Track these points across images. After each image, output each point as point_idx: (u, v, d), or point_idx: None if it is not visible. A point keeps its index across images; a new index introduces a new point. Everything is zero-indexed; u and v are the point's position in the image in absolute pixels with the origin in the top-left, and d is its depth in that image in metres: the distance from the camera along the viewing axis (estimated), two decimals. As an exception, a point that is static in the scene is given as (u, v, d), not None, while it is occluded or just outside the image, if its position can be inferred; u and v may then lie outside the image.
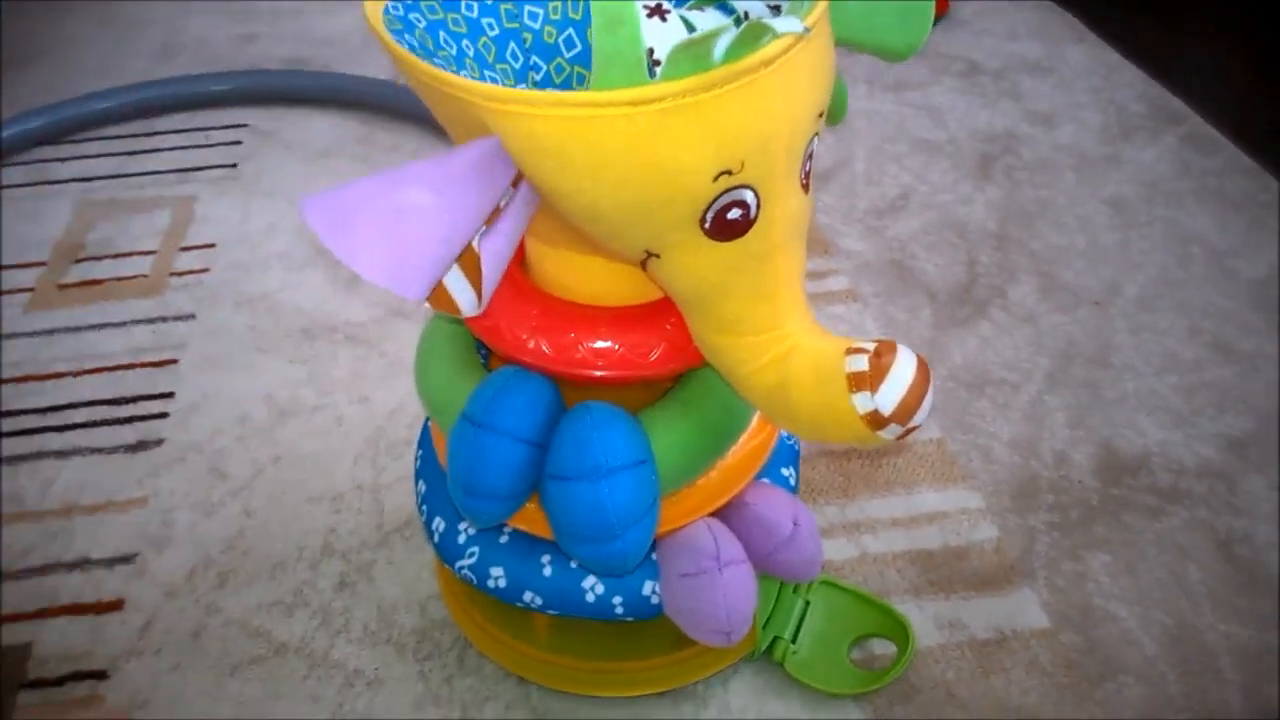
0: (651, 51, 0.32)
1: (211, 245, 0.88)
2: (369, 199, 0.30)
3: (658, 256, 0.35)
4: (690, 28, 0.35)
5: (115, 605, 0.59)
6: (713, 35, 0.29)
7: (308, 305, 0.80)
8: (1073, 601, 0.58)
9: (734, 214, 0.33)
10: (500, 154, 0.32)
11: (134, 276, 0.85)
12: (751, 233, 0.34)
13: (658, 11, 0.34)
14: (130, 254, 0.87)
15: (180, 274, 0.85)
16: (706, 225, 0.33)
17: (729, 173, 0.32)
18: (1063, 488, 0.65)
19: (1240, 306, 0.80)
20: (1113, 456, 0.67)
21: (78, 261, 0.87)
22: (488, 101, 0.31)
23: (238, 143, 1.01)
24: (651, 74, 0.31)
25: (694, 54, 0.29)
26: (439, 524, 0.48)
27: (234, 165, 0.98)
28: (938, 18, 1.21)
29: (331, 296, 0.81)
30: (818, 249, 0.85)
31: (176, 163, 0.99)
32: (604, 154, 0.31)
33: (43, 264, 0.86)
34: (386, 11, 0.37)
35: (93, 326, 0.79)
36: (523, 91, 0.31)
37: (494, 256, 0.34)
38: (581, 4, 0.42)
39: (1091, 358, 0.75)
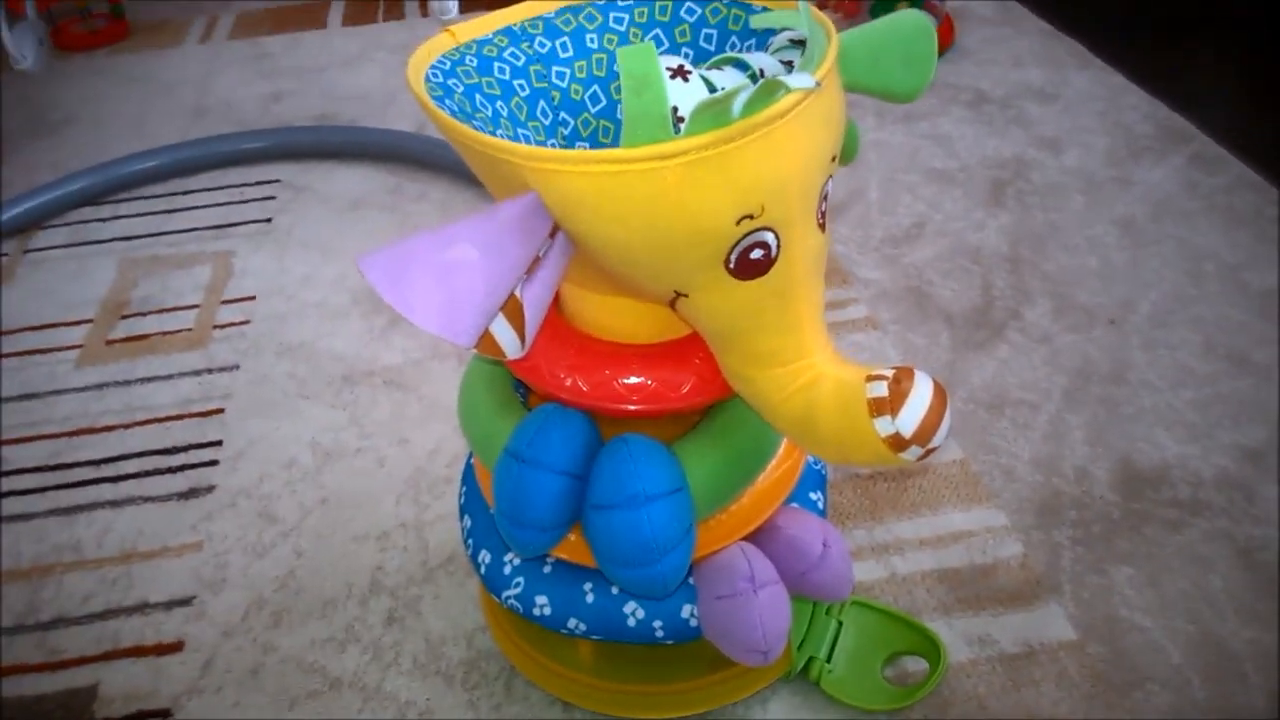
0: (675, 110, 0.35)
1: (251, 297, 0.91)
2: (421, 255, 0.33)
3: (686, 296, 0.38)
4: (710, 86, 0.38)
5: (176, 646, 0.62)
6: (732, 94, 0.32)
7: (346, 352, 0.83)
8: (1098, 614, 0.60)
9: (756, 254, 0.36)
10: (539, 208, 0.35)
11: (178, 330, 0.88)
12: (773, 271, 0.36)
13: (680, 73, 0.36)
14: (174, 309, 0.91)
15: (222, 326, 0.88)
16: (731, 266, 0.36)
17: (750, 216, 0.34)
18: (1085, 503, 0.67)
19: (1252, 319, 0.81)
20: (1132, 471, 0.69)
21: (124, 318, 0.90)
22: (527, 161, 0.34)
23: (271, 198, 1.05)
24: (676, 130, 0.34)
25: (714, 111, 0.32)
26: (485, 556, 0.51)
27: (269, 220, 1.02)
28: (943, 49, 1.24)
29: (369, 343, 0.84)
30: (836, 279, 0.88)
31: (213, 219, 1.03)
32: (633, 204, 0.34)
33: (90, 321, 0.90)
34: (427, 79, 0.40)
35: (141, 380, 0.83)
36: (558, 151, 0.34)
37: (535, 303, 0.37)
38: (605, 62, 0.46)
39: (1108, 375, 0.77)
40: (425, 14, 1.46)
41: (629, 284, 0.39)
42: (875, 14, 1.21)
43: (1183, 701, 0.56)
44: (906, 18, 0.43)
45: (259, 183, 1.08)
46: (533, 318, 0.38)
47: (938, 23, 1.25)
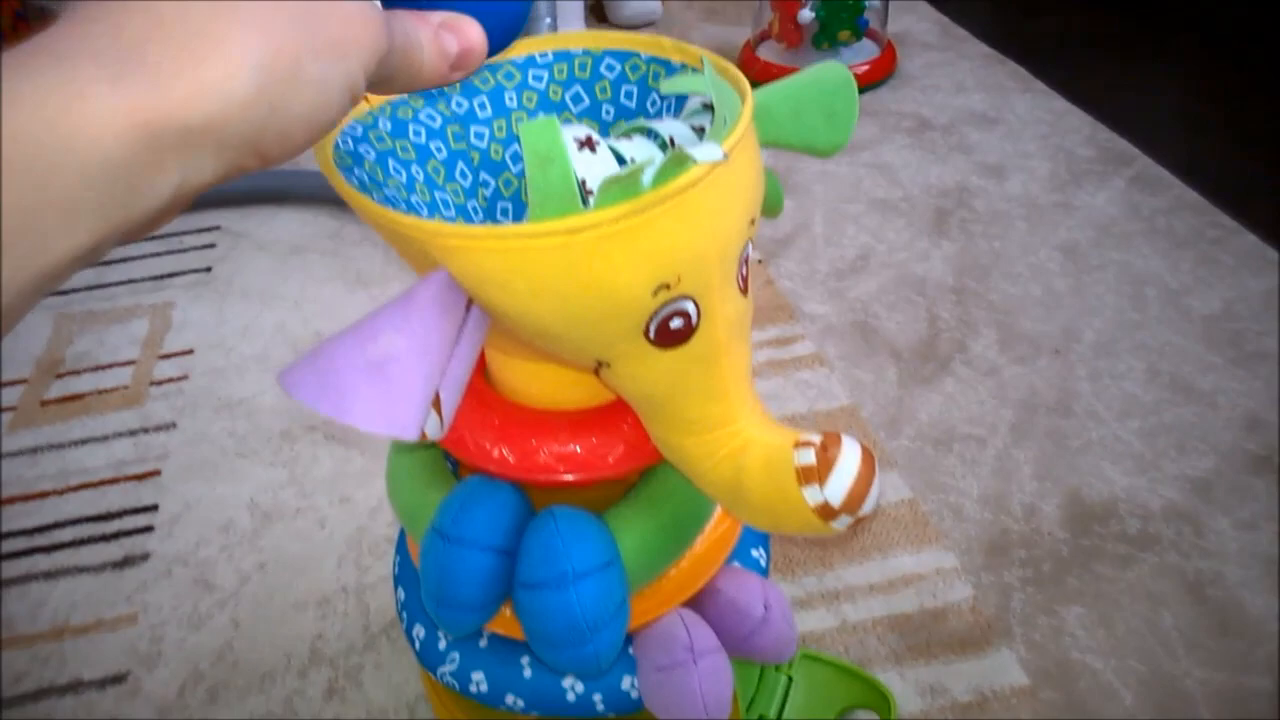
0: (584, 182, 0.34)
1: (189, 351, 0.89)
2: (346, 358, 0.32)
3: (608, 365, 0.37)
4: (619, 156, 0.37)
5: (108, 728, 0.60)
6: (639, 169, 0.31)
7: (286, 406, 0.82)
8: (1050, 657, 0.60)
9: (676, 323, 0.35)
10: (452, 284, 0.34)
11: (114, 388, 0.86)
12: (695, 338, 0.35)
13: (588, 144, 0.36)
14: (110, 365, 0.89)
15: (160, 383, 0.86)
16: (651, 335, 0.35)
17: (667, 286, 0.33)
18: (1034, 541, 0.66)
19: (1196, 344, 0.82)
20: (1081, 506, 0.69)
21: (59, 376, 0.88)
22: (433, 238, 0.33)
23: (211, 245, 1.03)
24: (585, 202, 0.33)
25: (623, 185, 0.31)
26: (419, 631, 0.49)
27: (208, 269, 1.00)
28: (885, 76, 1.25)
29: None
30: (782, 315, 0.87)
31: (152, 270, 1.01)
32: (545, 279, 0.33)
33: (24, 381, 0.88)
34: (336, 147, 0.39)
35: (76, 442, 0.81)
36: (464, 227, 0.33)
37: (453, 381, 0.36)
38: (524, 119, 0.45)
39: (1054, 407, 0.77)
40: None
41: (550, 353, 0.38)
42: (818, 44, 1.22)
43: (1135, 745, 0.55)
44: (828, 71, 0.42)
45: (198, 230, 1.06)
46: (451, 397, 0.37)
47: (880, 50, 1.26)
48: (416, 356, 0.32)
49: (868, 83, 1.22)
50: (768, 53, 1.26)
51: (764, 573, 0.53)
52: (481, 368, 0.46)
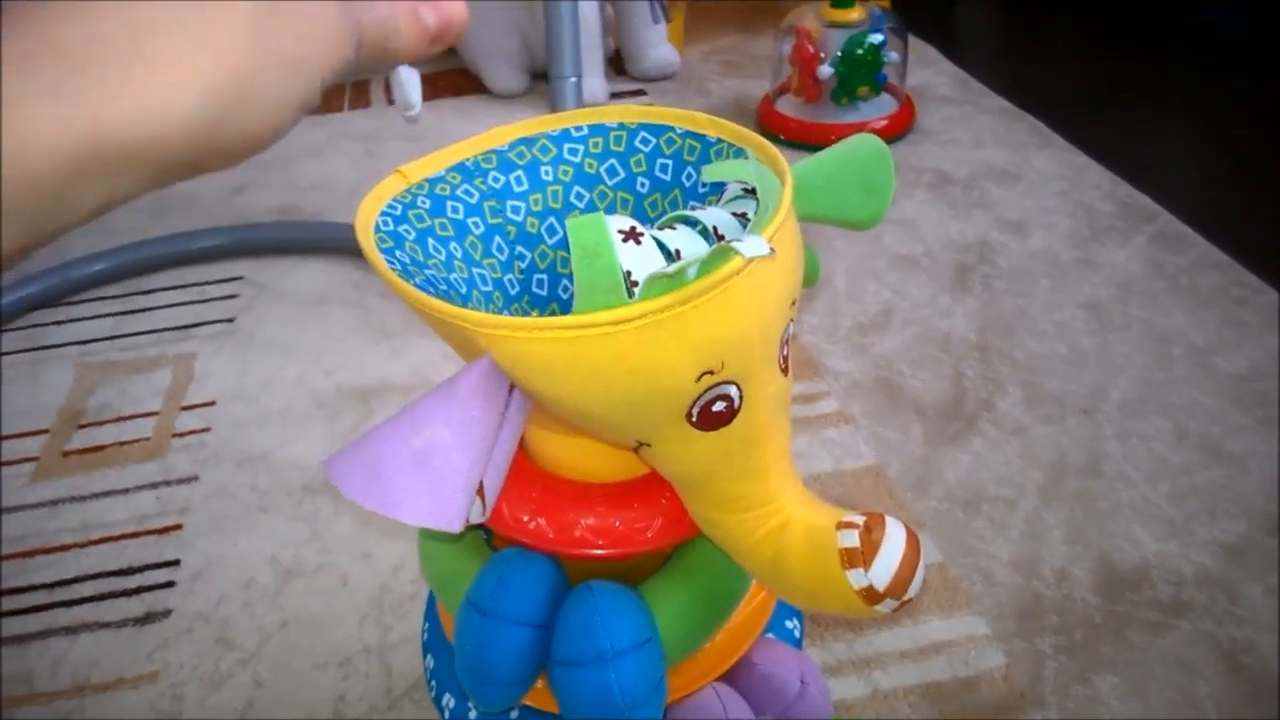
0: (629, 274, 0.34)
1: (211, 403, 0.89)
2: (391, 450, 0.32)
3: (649, 446, 0.36)
4: (663, 247, 0.37)
5: (128, 792, 0.59)
6: (684, 266, 0.31)
7: (308, 460, 0.81)
8: (1085, 728, 0.59)
9: (719, 406, 0.35)
10: (495, 371, 0.34)
11: (136, 440, 0.86)
12: (737, 420, 0.35)
13: (632, 235, 0.36)
14: (132, 416, 0.89)
15: (182, 434, 0.86)
16: (693, 419, 0.35)
17: (710, 372, 0.33)
18: (1066, 607, 0.65)
19: (1224, 405, 0.81)
20: (1112, 571, 0.68)
21: (81, 427, 0.88)
22: (479, 328, 0.33)
23: (234, 296, 1.04)
24: (630, 293, 0.33)
25: (669, 278, 0.31)
26: (449, 700, 0.49)
27: (231, 320, 1.00)
28: (904, 131, 1.26)
29: (331, 450, 0.82)
30: (807, 370, 0.87)
31: (174, 320, 1.01)
32: (589, 367, 0.33)
33: (46, 431, 0.88)
34: (378, 228, 0.39)
35: (97, 495, 0.80)
36: (511, 319, 0.33)
37: (496, 467, 0.36)
38: (560, 193, 0.45)
39: (1083, 469, 0.76)
40: (392, 102, 1.46)
41: (590, 433, 0.38)
42: (836, 99, 1.23)
43: (1175, 822, 0.54)
44: (862, 144, 0.43)
45: (220, 280, 1.07)
46: (494, 483, 0.37)
47: (899, 104, 1.27)
48: (461, 448, 0.32)
49: (887, 138, 1.22)
50: (786, 107, 1.28)
51: (798, 644, 0.52)
52: (519, 440, 0.46)
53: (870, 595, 0.35)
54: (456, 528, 0.32)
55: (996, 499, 0.74)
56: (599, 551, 0.42)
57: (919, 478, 0.76)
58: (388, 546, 0.73)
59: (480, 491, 0.36)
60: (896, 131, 1.24)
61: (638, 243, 0.35)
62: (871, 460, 0.78)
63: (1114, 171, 1.15)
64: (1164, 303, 0.93)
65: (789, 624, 0.52)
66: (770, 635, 0.51)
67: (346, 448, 0.32)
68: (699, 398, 0.34)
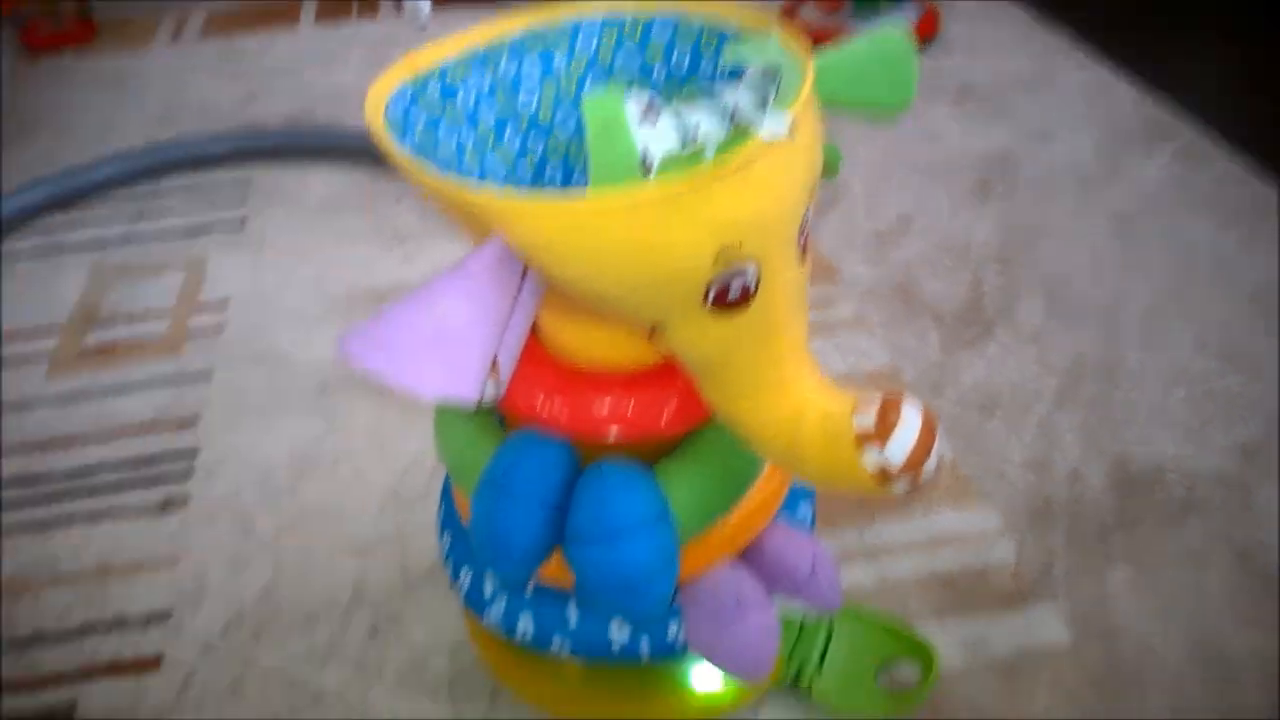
0: (646, 152, 0.34)
1: (224, 304, 0.89)
2: (407, 326, 0.32)
3: (663, 330, 0.36)
4: (681, 124, 0.36)
5: (154, 663, 0.60)
6: (702, 148, 0.30)
7: (323, 358, 0.82)
8: (1094, 618, 0.59)
9: (735, 290, 0.34)
10: (508, 251, 0.34)
11: (151, 338, 0.86)
12: (754, 304, 0.35)
13: (650, 113, 0.35)
14: (146, 316, 0.89)
15: (196, 333, 0.86)
16: (709, 301, 0.34)
17: (727, 254, 0.33)
18: (1078, 505, 0.66)
19: (1244, 314, 0.80)
20: (1126, 472, 0.68)
21: (95, 326, 0.88)
22: (490, 203, 0.33)
23: (245, 201, 1.03)
24: (646, 172, 0.32)
25: (686, 160, 0.31)
26: (465, 576, 0.49)
27: (241, 223, 1.00)
28: (928, 41, 1.23)
29: (347, 348, 0.82)
30: (822, 276, 0.86)
31: (186, 224, 1.01)
32: (604, 248, 0.33)
33: (61, 330, 0.88)
34: (387, 114, 0.38)
35: (113, 389, 0.81)
36: (525, 196, 0.33)
37: (509, 347, 0.36)
38: (572, 85, 0.44)
39: (1100, 373, 0.76)
40: (400, 11, 1.44)
41: (604, 316, 0.37)
42: (858, 6, 1.20)
43: (1179, 706, 0.55)
44: (889, 39, 0.41)
45: (232, 185, 1.06)
46: (508, 362, 0.37)
47: (922, 13, 1.24)
48: (474, 324, 0.32)
49: (908, 48, 1.20)
50: (809, 14, 1.25)
51: (810, 529, 0.53)
52: (533, 327, 0.45)
53: (885, 476, 0.35)
54: (470, 401, 0.33)
55: (1011, 403, 0.74)
56: (613, 435, 0.42)
57: (934, 381, 0.76)
58: (403, 443, 0.73)
59: (494, 371, 0.36)
60: (919, 40, 1.22)
61: (654, 121, 0.34)
62: (886, 363, 0.77)
63: (1141, 84, 1.12)
64: (1187, 215, 0.92)
65: (802, 509, 0.52)
66: (782, 520, 0.51)
67: (363, 325, 0.32)
68: (715, 280, 0.34)
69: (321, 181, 1.05)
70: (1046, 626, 0.59)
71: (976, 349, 0.78)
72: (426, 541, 0.66)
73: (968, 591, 0.61)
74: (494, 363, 0.34)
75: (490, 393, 0.35)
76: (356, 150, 1.06)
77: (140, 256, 0.96)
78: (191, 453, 0.74)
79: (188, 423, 0.77)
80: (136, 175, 1.06)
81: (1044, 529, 0.64)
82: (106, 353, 0.85)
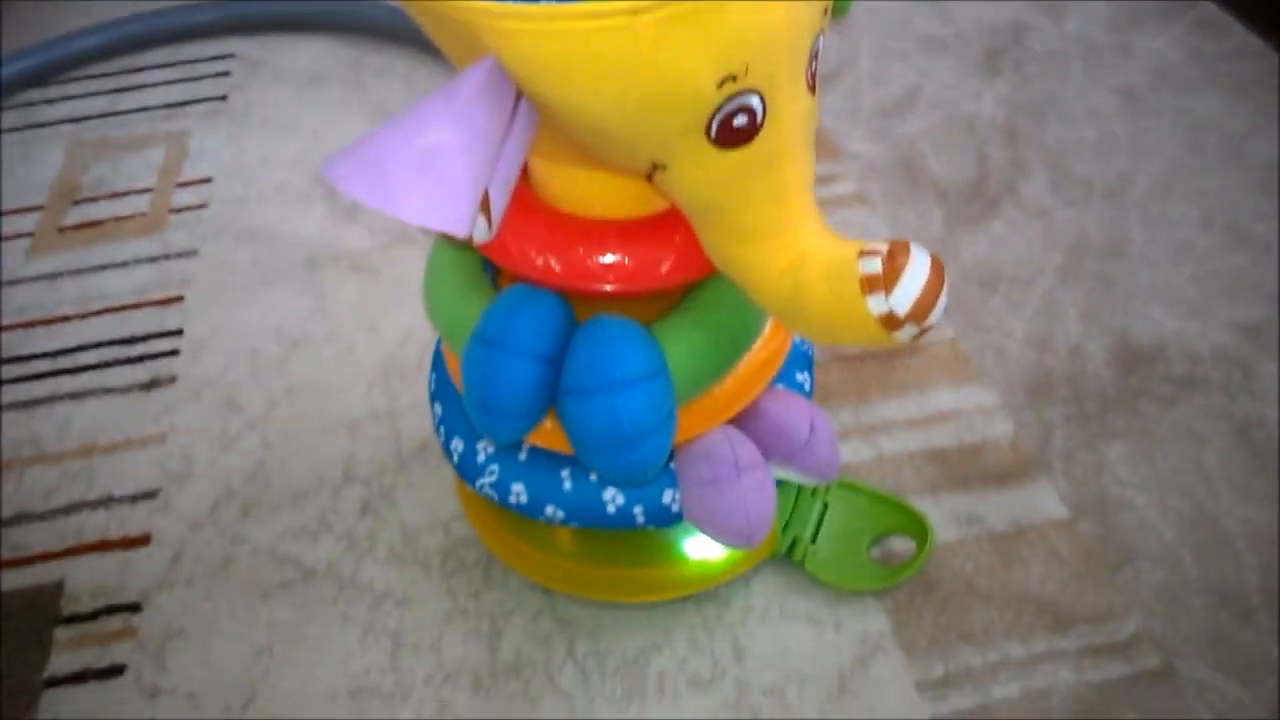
0: None
1: (208, 180, 0.87)
2: (393, 149, 0.30)
3: (664, 168, 0.34)
4: None
5: (142, 540, 0.60)
6: None
7: (310, 235, 0.80)
8: (1090, 491, 0.59)
9: (740, 120, 0.32)
10: (500, 75, 0.32)
11: (133, 215, 0.84)
12: (759, 138, 0.33)
13: None
14: (127, 193, 0.86)
15: (179, 210, 0.84)
16: (712, 133, 0.33)
17: (733, 78, 0.31)
18: (1078, 380, 0.65)
19: (1254, 192, 0.78)
20: (1128, 348, 0.67)
21: (76, 203, 0.86)
22: (483, 19, 0.30)
23: (226, 74, 1.00)
24: None
25: None
26: (457, 444, 0.49)
27: (224, 97, 0.96)
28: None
29: (333, 225, 0.80)
30: (824, 153, 0.84)
31: (167, 98, 0.97)
32: (604, 66, 0.30)
33: (40, 208, 0.85)
34: None
35: (96, 268, 0.79)
36: (518, 6, 0.30)
37: (501, 181, 0.34)
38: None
39: (1105, 250, 0.74)
40: None
41: (601, 155, 0.36)
42: None
43: (1174, 578, 0.55)
44: None
45: (213, 58, 1.02)
46: (499, 197, 0.35)
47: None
48: (464, 150, 0.31)
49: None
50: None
51: (809, 397, 0.52)
52: (525, 175, 0.43)
53: (890, 321, 0.34)
54: (460, 232, 0.31)
55: (1014, 279, 0.72)
56: (609, 287, 0.40)
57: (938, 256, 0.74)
58: (393, 319, 0.72)
59: (485, 207, 0.34)
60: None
61: None
62: (890, 238, 0.76)
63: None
64: (1200, 90, 0.89)
65: (800, 377, 0.51)
66: (780, 386, 0.50)
67: (347, 148, 0.31)
68: (720, 108, 0.32)
69: (308, 55, 1.01)
70: (1042, 501, 0.58)
71: (980, 226, 0.76)
72: (419, 418, 0.65)
73: (964, 467, 0.60)
74: (485, 198, 0.33)
75: (481, 231, 0.33)
76: (344, 22, 1.02)
77: (121, 132, 0.93)
78: (177, 331, 0.73)
79: (173, 300, 0.75)
80: (116, 48, 1.02)
81: (1043, 404, 0.64)
82: (88, 230, 0.83)
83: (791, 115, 0.34)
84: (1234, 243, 0.74)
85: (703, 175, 0.34)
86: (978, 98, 0.89)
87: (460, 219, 0.31)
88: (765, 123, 0.33)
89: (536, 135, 0.38)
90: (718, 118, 0.32)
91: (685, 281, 0.42)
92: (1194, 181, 0.80)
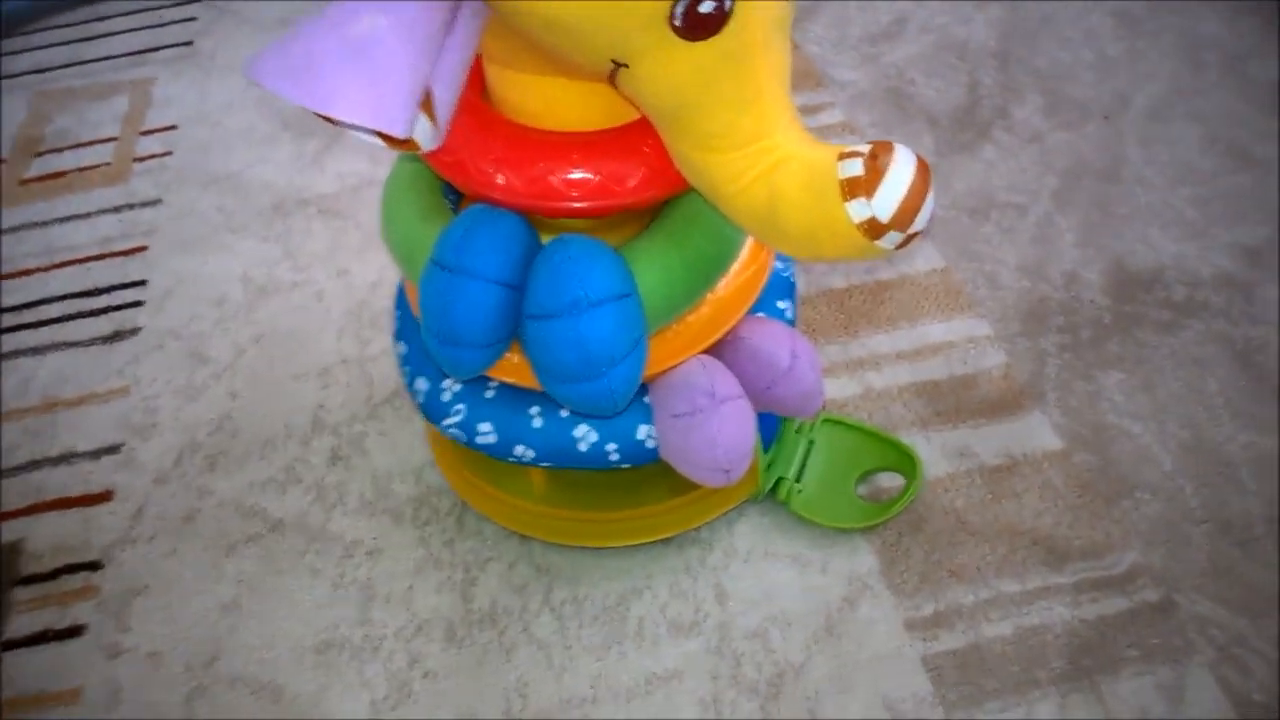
0: None
1: (173, 127, 0.84)
2: (323, 42, 0.28)
3: (626, 67, 0.32)
4: None
5: (104, 496, 0.58)
6: None
7: (277, 180, 0.77)
8: (1086, 421, 0.57)
9: (706, 6, 0.30)
10: None
11: (96, 165, 0.81)
12: (727, 29, 0.31)
13: None
14: (91, 143, 0.83)
15: (143, 159, 0.81)
16: (677, 22, 0.30)
17: None
18: (1073, 308, 0.62)
19: (1254, 111, 0.75)
20: (1125, 273, 0.64)
21: (38, 155, 0.83)
22: None
23: (192, 19, 0.96)
24: None
25: None
26: (422, 384, 0.46)
27: (189, 43, 0.93)
28: None
29: (301, 169, 0.77)
30: (809, 82, 0.81)
31: (130, 45, 0.94)
32: None
33: (3, 161, 0.83)
34: None
35: (59, 219, 0.76)
36: None
37: (447, 80, 0.31)
38: None
39: (1101, 174, 0.71)
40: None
41: (560, 56, 0.33)
42: None
43: (1174, 509, 0.53)
44: None
45: (179, 3, 0.98)
46: (445, 99, 0.32)
47: None
48: (401, 38, 0.28)
49: None
50: None
51: (790, 325, 0.49)
52: (479, 86, 0.41)
53: (873, 228, 0.32)
54: (399, 130, 0.29)
55: (1007, 205, 0.69)
56: (575, 205, 0.38)
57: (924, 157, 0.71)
58: (363, 264, 0.70)
59: (428, 106, 0.32)
60: None
61: None
62: (873, 140, 0.73)
63: None
64: (1198, 8, 0.85)
65: (781, 304, 0.49)
66: (760, 314, 0.48)
67: (273, 44, 0.28)
68: None
69: (275, -3, 0.97)
70: (1036, 433, 0.56)
71: (972, 152, 0.74)
72: (391, 364, 0.63)
73: (954, 400, 0.58)
74: (428, 96, 0.30)
75: (425, 133, 0.31)
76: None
77: (85, 82, 0.90)
78: (141, 281, 0.70)
79: (136, 250, 0.73)
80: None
81: (1037, 333, 0.61)
82: (51, 182, 0.80)
83: (764, 5, 0.31)
84: (1235, 164, 0.71)
85: (668, 73, 0.32)
86: (969, 21, 0.86)
87: (398, 116, 0.28)
88: (734, 9, 0.30)
89: (491, 41, 0.35)
90: (682, 4, 0.29)
91: (656, 198, 0.39)
92: (1193, 102, 0.76)
